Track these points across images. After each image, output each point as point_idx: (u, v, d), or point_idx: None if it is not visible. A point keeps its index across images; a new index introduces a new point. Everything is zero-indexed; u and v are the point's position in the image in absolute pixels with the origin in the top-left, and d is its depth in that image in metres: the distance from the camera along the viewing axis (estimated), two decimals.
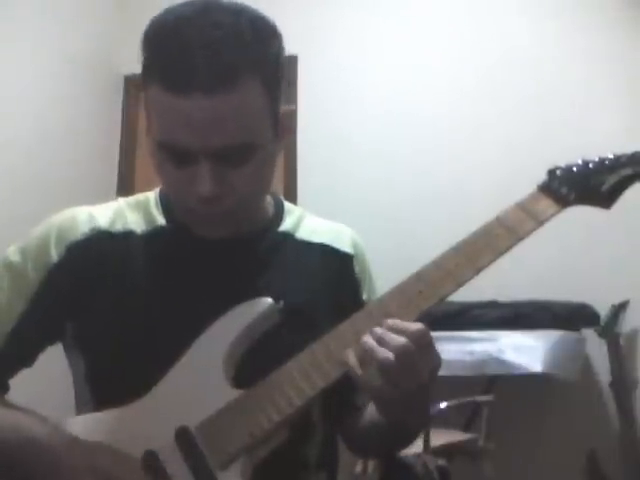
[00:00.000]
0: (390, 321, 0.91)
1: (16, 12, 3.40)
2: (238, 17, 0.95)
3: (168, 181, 1.02)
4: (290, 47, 4.00)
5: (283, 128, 1.05)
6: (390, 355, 0.88)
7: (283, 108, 1.04)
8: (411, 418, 1.00)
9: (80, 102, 3.78)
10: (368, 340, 0.90)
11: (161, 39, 0.96)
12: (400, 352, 0.88)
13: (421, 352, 0.90)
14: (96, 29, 3.83)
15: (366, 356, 0.90)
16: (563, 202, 0.97)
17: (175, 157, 0.97)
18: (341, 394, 1.09)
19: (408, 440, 1.14)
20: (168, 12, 0.98)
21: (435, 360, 0.92)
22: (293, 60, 3.85)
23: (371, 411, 1.11)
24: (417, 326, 0.91)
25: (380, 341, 0.90)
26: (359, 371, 0.90)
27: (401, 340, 0.89)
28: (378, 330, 0.91)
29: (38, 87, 3.51)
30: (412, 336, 0.89)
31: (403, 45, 3.82)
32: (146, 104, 1.00)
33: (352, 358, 0.91)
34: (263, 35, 0.98)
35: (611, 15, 3.51)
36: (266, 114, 0.98)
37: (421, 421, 1.04)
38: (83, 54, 3.78)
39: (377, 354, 0.89)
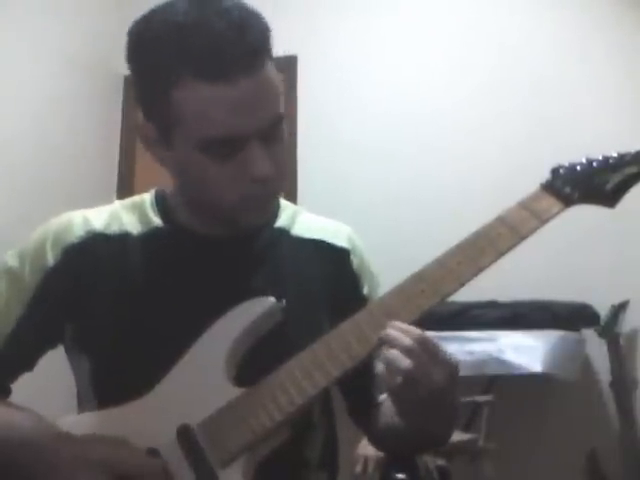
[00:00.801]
0: (403, 325, 0.91)
1: (16, 12, 3.40)
2: (226, 1, 0.96)
3: (214, 182, 0.99)
4: (290, 47, 4.04)
5: None
6: (410, 363, 0.88)
7: None
8: (433, 424, 0.97)
9: (80, 102, 3.78)
10: (393, 352, 0.89)
11: (181, 35, 0.93)
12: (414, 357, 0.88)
13: (430, 357, 0.89)
14: (96, 29, 3.83)
15: (392, 367, 0.89)
16: (566, 201, 0.97)
17: (223, 150, 0.95)
18: (361, 391, 1.09)
19: (433, 444, 1.11)
20: (162, 13, 0.96)
21: (447, 365, 0.91)
22: (293, 60, 3.85)
23: (386, 412, 1.11)
24: (419, 331, 0.90)
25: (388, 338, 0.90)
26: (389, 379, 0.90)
27: (410, 344, 0.88)
28: (405, 340, 0.90)
29: (38, 87, 3.51)
30: (418, 341, 0.89)
31: (403, 45, 3.82)
32: (169, 111, 0.96)
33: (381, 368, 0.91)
34: (253, 10, 0.99)
35: (611, 15, 3.51)
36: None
37: (446, 425, 1.02)
38: (83, 54, 3.78)
39: (402, 363, 0.88)
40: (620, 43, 3.48)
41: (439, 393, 0.89)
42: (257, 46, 0.94)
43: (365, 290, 1.15)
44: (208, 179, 0.99)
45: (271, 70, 0.96)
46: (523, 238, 0.95)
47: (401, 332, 0.90)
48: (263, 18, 0.98)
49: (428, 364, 0.88)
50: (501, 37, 3.67)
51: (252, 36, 0.94)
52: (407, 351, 0.88)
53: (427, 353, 0.89)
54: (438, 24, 3.79)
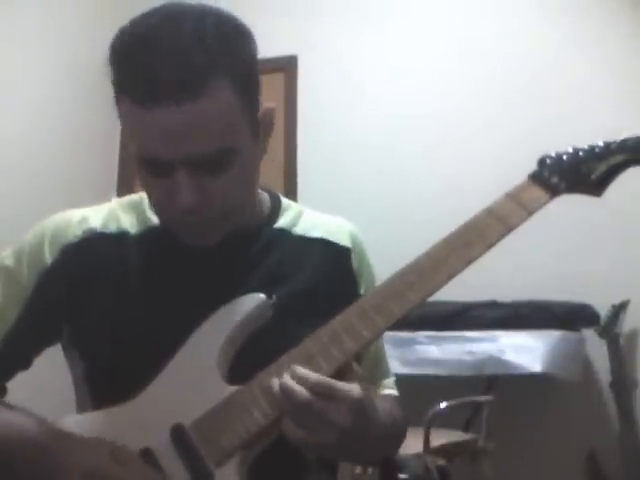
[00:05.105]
0: (293, 370, 0.89)
1: (17, 13, 3.40)
2: (201, 21, 0.93)
3: (150, 193, 1.01)
4: (290, 47, 4.04)
5: (264, 128, 1.03)
6: (288, 405, 0.87)
7: (263, 107, 1.02)
8: (358, 455, 0.97)
9: (80, 102, 3.79)
10: (275, 388, 0.89)
11: (126, 52, 0.93)
12: (297, 402, 0.87)
13: (328, 401, 0.87)
14: (96, 30, 3.83)
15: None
16: (553, 191, 0.97)
17: (153, 169, 0.96)
18: None
19: (371, 463, 1.11)
20: (132, 24, 0.96)
21: (348, 402, 0.88)
22: (293, 60, 3.85)
23: None
24: (316, 377, 0.88)
25: (284, 392, 0.88)
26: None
27: (297, 389, 0.87)
28: (277, 380, 0.89)
29: (38, 87, 3.51)
30: (310, 386, 0.87)
31: (403, 45, 3.82)
32: (120, 119, 0.98)
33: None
34: (229, 36, 0.95)
35: (614, 14, 3.51)
36: (241, 116, 0.96)
37: (373, 449, 1.00)
38: (83, 54, 3.78)
39: (279, 405, 0.88)
40: (623, 45, 3.47)
41: (349, 431, 0.88)
42: (192, 76, 0.90)
43: (362, 290, 1.15)
44: (146, 189, 1.01)
45: (214, 101, 0.92)
46: (511, 229, 0.94)
47: (295, 381, 0.88)
48: (226, 43, 0.94)
49: (326, 409, 0.87)
50: (503, 38, 3.67)
51: (189, 65, 0.90)
52: (303, 404, 0.87)
53: (324, 398, 0.87)
54: (439, 22, 3.79)
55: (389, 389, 1.20)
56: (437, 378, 3.03)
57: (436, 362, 3.06)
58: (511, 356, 2.97)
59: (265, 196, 1.16)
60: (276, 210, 1.15)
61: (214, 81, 0.92)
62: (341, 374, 0.92)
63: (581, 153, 0.99)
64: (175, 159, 0.93)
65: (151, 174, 0.97)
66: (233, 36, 0.96)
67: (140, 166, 0.97)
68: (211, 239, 1.03)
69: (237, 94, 0.95)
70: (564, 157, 1.00)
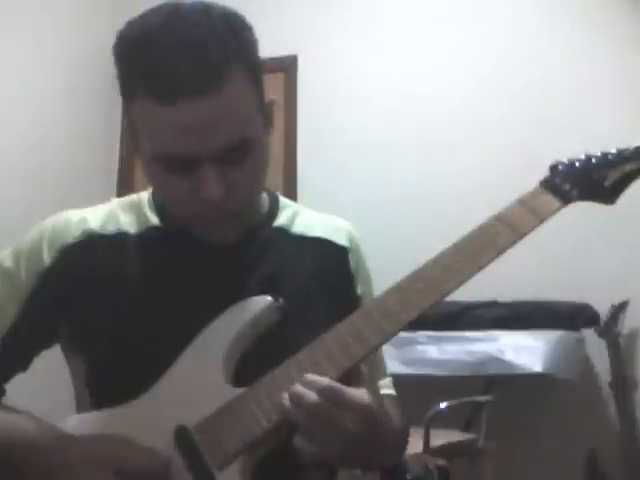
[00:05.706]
0: (307, 376, 0.89)
1: (17, 12, 3.40)
2: (209, 14, 0.93)
3: (170, 193, 1.00)
4: (290, 47, 4.03)
5: (270, 117, 1.04)
6: (301, 415, 0.86)
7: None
8: (364, 461, 0.96)
9: (80, 101, 3.78)
10: (285, 401, 0.88)
11: (138, 51, 0.92)
12: (306, 406, 0.86)
13: (339, 409, 0.87)
14: (96, 28, 3.83)
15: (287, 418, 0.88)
16: (565, 198, 0.96)
17: (176, 167, 0.95)
18: None
19: (378, 467, 1.11)
20: (136, 23, 0.95)
21: (358, 409, 0.88)
22: (293, 60, 3.85)
23: None
24: (325, 381, 0.88)
25: (293, 399, 0.87)
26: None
27: (305, 392, 0.87)
28: (292, 387, 0.88)
29: (38, 87, 3.51)
30: (318, 389, 0.87)
31: (404, 44, 3.81)
32: (131, 120, 0.97)
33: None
34: (237, 27, 0.96)
35: (612, 15, 3.51)
36: (255, 106, 0.97)
37: (381, 454, 0.99)
38: (83, 53, 3.78)
39: (290, 415, 0.87)
40: (623, 46, 3.47)
41: (357, 438, 0.87)
42: (212, 69, 0.90)
43: (359, 290, 1.15)
44: (164, 190, 1.01)
45: (234, 92, 0.92)
46: (522, 236, 0.94)
47: (306, 387, 0.87)
48: (237, 35, 0.94)
49: (337, 416, 0.86)
50: (504, 38, 3.66)
51: (208, 57, 0.90)
52: (313, 409, 0.86)
53: (335, 404, 0.87)
54: (440, 22, 3.78)
55: (387, 389, 1.20)
56: (437, 378, 3.03)
57: (436, 362, 3.05)
58: (511, 356, 2.97)
59: (264, 195, 1.16)
60: (274, 208, 1.15)
61: (231, 72, 0.92)
62: (348, 377, 0.92)
63: (594, 160, 0.98)
64: (200, 153, 0.93)
65: (171, 172, 0.96)
66: (240, 27, 0.97)
67: (157, 164, 0.96)
68: (231, 234, 1.05)
69: (252, 84, 0.96)
70: (576, 164, 0.99)
